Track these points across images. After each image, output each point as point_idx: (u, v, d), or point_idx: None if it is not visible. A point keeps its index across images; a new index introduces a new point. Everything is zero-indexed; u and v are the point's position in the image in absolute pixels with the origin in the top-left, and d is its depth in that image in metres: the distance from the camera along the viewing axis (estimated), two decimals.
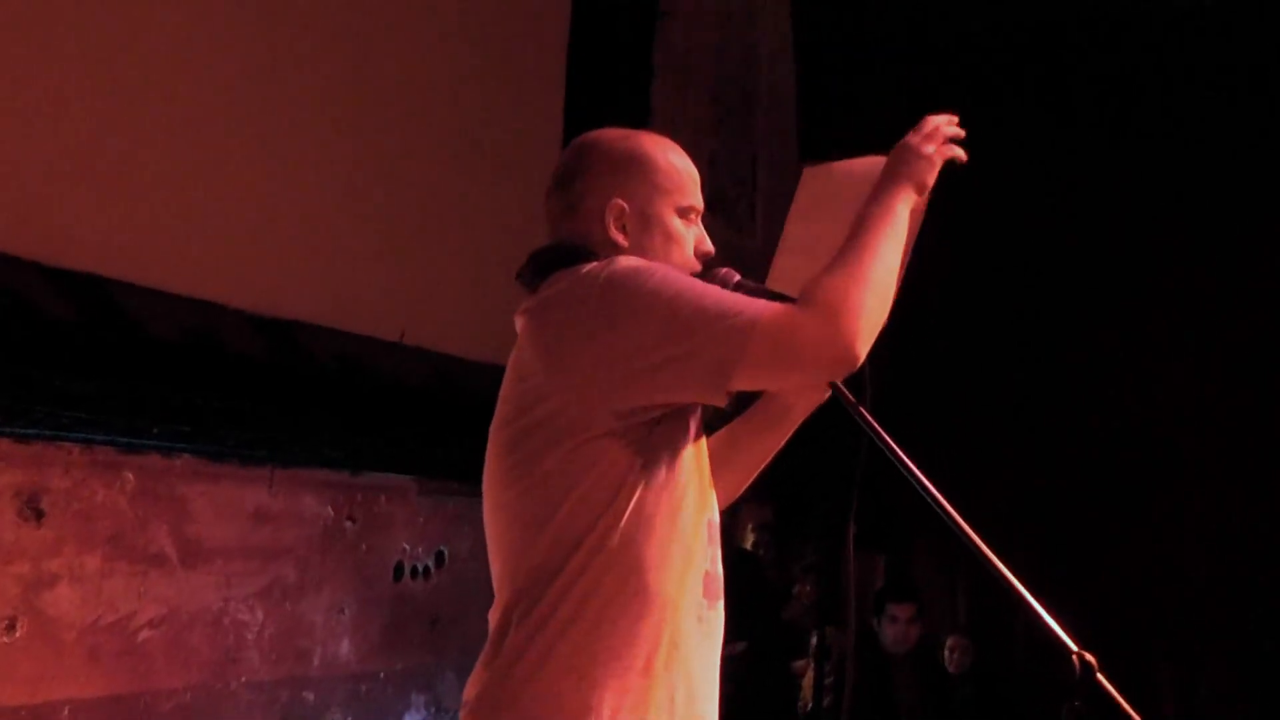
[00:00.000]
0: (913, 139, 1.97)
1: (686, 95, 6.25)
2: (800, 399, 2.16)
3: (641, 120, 5.51)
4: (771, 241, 2.18)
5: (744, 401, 2.13)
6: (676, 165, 2.01)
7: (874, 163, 2.05)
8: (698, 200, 2.03)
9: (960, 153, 2.00)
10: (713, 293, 1.78)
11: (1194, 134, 5.96)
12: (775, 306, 1.75)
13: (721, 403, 1.78)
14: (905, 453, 1.88)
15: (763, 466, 2.25)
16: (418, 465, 4.39)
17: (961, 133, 2.02)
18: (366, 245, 4.25)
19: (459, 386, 4.36)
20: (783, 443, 2.22)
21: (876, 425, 1.91)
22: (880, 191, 1.91)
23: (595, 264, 1.83)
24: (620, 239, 1.95)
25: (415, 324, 4.40)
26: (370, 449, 4.21)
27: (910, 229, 1.94)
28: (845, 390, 1.93)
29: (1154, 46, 6.09)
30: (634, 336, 1.74)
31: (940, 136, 1.98)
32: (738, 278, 2.03)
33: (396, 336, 4.35)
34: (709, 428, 1.98)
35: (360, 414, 4.15)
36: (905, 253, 1.92)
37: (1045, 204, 6.26)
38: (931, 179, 1.96)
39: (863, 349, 1.74)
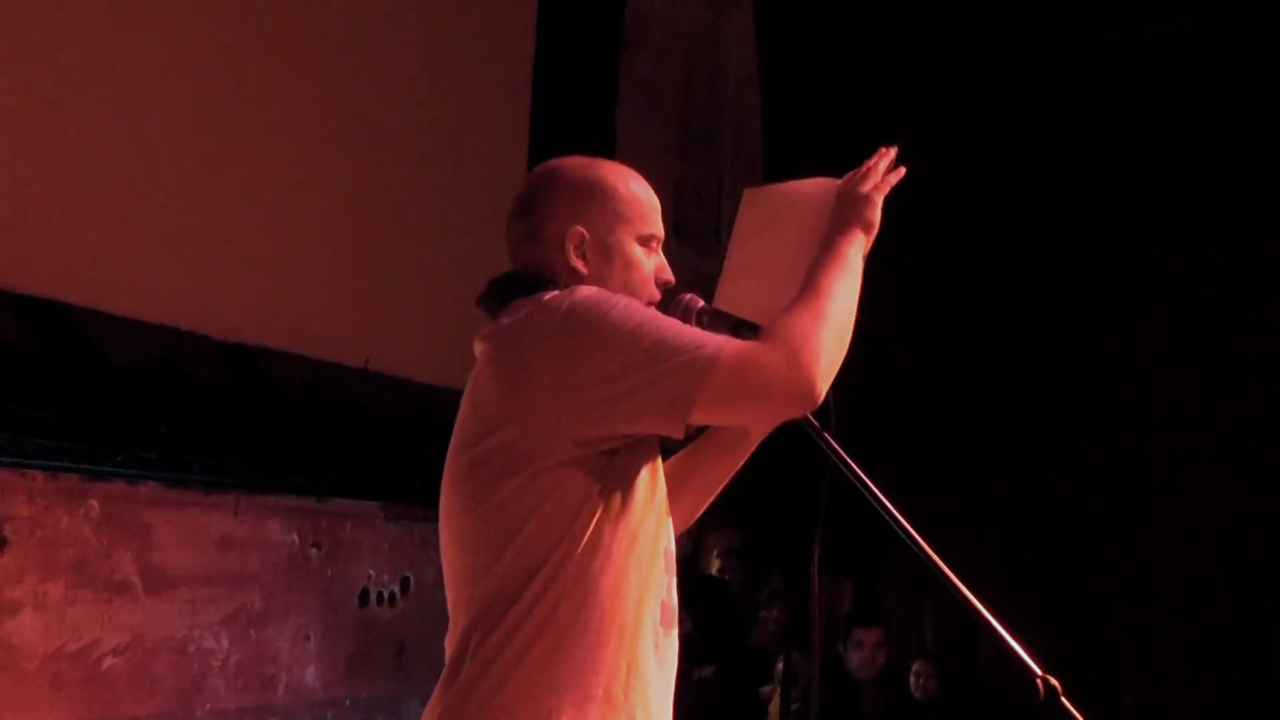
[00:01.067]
0: (848, 184, 2.03)
1: (651, 122, 6.28)
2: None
3: (606, 147, 5.53)
4: None
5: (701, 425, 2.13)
6: (638, 194, 2.02)
7: (814, 184, 2.09)
8: (659, 229, 2.03)
9: (898, 174, 2.05)
10: (674, 325, 1.79)
11: (1178, 144, 6.01)
12: (736, 342, 1.78)
13: (680, 435, 1.79)
14: (869, 477, 1.89)
15: (719, 490, 2.25)
16: (383, 491, 4.38)
17: (893, 151, 2.06)
18: (332, 272, 4.25)
19: (424, 412, 4.34)
20: (739, 466, 2.22)
21: (841, 451, 1.92)
22: (830, 239, 1.96)
23: (556, 292, 1.84)
24: (580, 266, 1.95)
25: (381, 350, 4.39)
26: (336, 475, 4.19)
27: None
28: (810, 416, 1.93)
29: (1133, 59, 6.15)
30: (594, 367, 1.74)
31: (876, 174, 2.03)
32: (701, 303, 2.04)
33: (362, 362, 4.34)
34: (665, 451, 1.98)
35: (326, 440, 4.13)
36: None
37: (1016, 221, 6.31)
38: (875, 215, 2.00)
39: (823, 387, 1.77)
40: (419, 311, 4.55)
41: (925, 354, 6.43)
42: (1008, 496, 6.31)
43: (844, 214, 1.99)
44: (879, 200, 2.01)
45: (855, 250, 1.95)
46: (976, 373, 6.38)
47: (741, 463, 2.22)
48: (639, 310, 1.80)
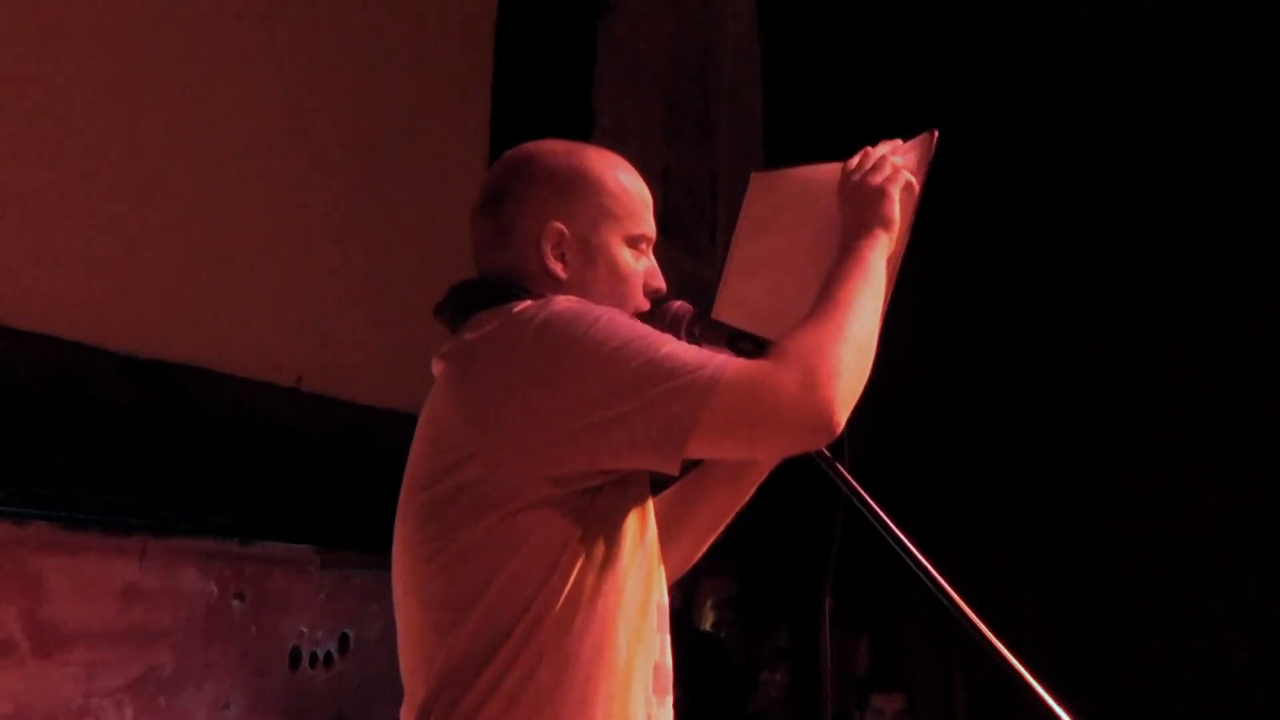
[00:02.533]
0: (856, 176, 2.02)
1: (635, 100, 6.29)
2: None
3: (583, 130, 5.54)
4: None
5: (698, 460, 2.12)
6: (627, 186, 2.02)
7: (832, 170, 2.07)
8: (650, 228, 2.04)
9: (909, 177, 2.05)
10: (667, 343, 1.78)
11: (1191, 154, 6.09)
12: (741, 362, 1.76)
13: (674, 471, 1.78)
14: (889, 516, 1.89)
15: (720, 531, 2.25)
16: (319, 532, 4.38)
17: (932, 139, 2.07)
18: (259, 275, 4.24)
19: (369, 440, 4.34)
20: (744, 502, 2.22)
21: (856, 485, 1.92)
22: (848, 242, 1.96)
23: (529, 303, 1.84)
24: (558, 270, 1.96)
25: (317, 367, 4.39)
26: (263, 513, 4.19)
27: (888, 270, 1.97)
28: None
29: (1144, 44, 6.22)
30: (572, 392, 1.74)
31: (886, 165, 2.03)
32: (693, 311, 2.04)
33: (294, 381, 4.34)
34: (655, 484, 1.98)
35: (251, 472, 4.13)
36: (885, 298, 1.95)
37: (1031, 226, 6.35)
38: (894, 211, 2.00)
39: (842, 415, 1.75)
40: (363, 322, 4.55)
41: (952, 375, 6.45)
42: (1050, 540, 6.32)
43: (857, 214, 1.99)
44: (894, 193, 2.00)
45: (877, 255, 1.94)
46: (1013, 399, 6.40)
47: (745, 499, 2.22)
48: (626, 325, 1.80)
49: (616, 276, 1.99)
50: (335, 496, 4.30)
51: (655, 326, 1.94)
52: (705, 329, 2.01)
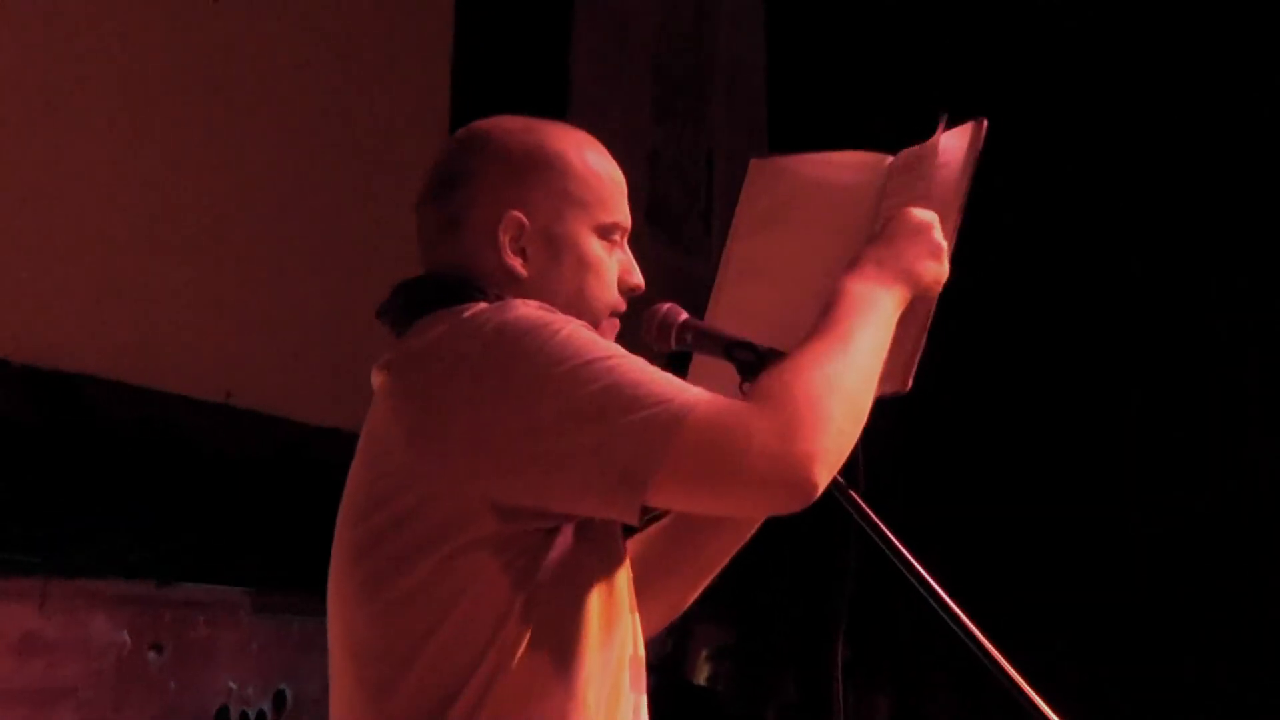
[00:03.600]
0: (924, 218, 1.96)
1: (618, 70, 6.29)
2: None
3: (557, 106, 5.53)
4: None
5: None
6: (596, 168, 2.01)
7: (851, 160, 2.06)
8: (624, 216, 2.02)
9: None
10: (635, 368, 1.75)
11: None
12: (715, 400, 1.71)
13: (634, 521, 1.75)
14: (911, 552, 1.88)
15: (715, 573, 2.23)
16: (250, 572, 4.36)
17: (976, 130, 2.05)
18: (181, 275, 4.23)
19: (307, 463, 4.33)
20: (744, 540, 2.20)
21: (873, 515, 1.92)
22: (868, 271, 1.91)
23: (484, 307, 1.82)
24: (517, 266, 1.94)
25: (247, 380, 4.38)
26: (184, 550, 4.17)
27: (920, 312, 1.94)
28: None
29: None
30: (521, 414, 1.72)
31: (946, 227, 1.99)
32: (684, 316, 2.03)
33: (222, 397, 4.32)
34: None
35: (171, 501, 4.11)
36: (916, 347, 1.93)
37: (1068, 229, 6.38)
38: (939, 286, 1.96)
39: (823, 477, 1.71)
40: (301, 330, 4.54)
41: (983, 396, 6.46)
42: (1092, 582, 6.34)
43: (904, 255, 1.93)
44: (944, 271, 1.96)
45: (892, 302, 1.89)
46: (1051, 424, 6.42)
47: (747, 537, 2.20)
48: (589, 341, 1.77)
49: (586, 272, 1.96)
50: (269, 529, 4.29)
51: (641, 332, 1.94)
52: (698, 336, 2.00)
